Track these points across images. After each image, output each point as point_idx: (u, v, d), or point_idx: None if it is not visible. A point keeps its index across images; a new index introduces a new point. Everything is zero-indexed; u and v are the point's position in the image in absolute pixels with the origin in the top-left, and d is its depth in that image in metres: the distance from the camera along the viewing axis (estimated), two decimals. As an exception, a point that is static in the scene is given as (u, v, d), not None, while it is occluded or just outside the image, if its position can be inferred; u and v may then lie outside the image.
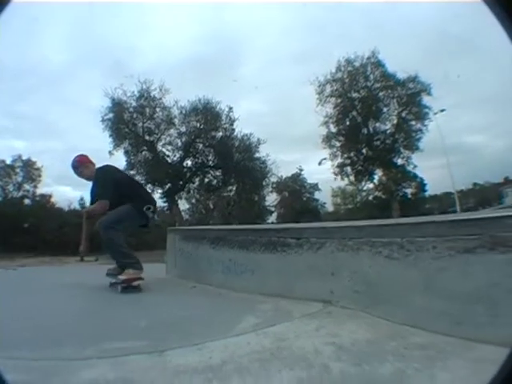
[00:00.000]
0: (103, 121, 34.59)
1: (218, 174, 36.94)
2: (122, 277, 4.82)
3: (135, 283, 4.83)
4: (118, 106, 34.70)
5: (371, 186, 40.10)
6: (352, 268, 3.00)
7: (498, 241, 2.14)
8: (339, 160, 37.98)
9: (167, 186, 34.63)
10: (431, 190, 49.02)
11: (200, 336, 2.47)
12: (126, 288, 4.71)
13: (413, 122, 37.08)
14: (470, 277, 2.25)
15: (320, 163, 38.31)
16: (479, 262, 2.23)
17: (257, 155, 36.96)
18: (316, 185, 46.55)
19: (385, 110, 37.97)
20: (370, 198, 42.83)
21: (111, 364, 1.99)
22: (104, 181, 5.26)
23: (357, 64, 36.92)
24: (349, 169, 37.91)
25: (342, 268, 3.10)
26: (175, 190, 35.03)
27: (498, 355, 1.71)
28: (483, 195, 57.56)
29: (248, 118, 57.16)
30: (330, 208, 50.97)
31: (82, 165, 5.42)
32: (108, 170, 5.56)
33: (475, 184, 62.02)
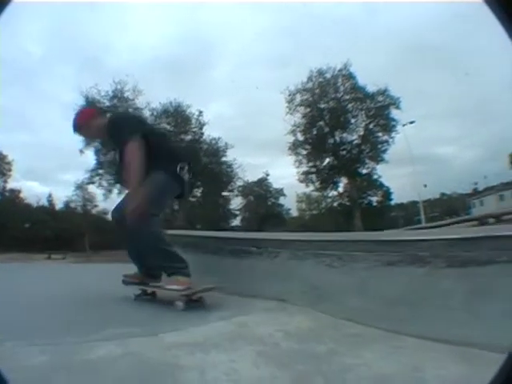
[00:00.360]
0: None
1: None
2: (176, 286, 3.70)
3: (196, 296, 3.77)
4: (91, 105, 34.84)
5: (336, 193, 40.96)
6: (301, 273, 3.59)
7: (417, 258, 2.72)
8: (304, 168, 38.83)
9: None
10: (399, 198, 50.25)
11: (182, 323, 3.03)
12: (188, 303, 3.62)
13: (379, 134, 38.05)
14: (394, 283, 2.82)
15: None
16: (401, 272, 2.78)
17: (224, 159, 37.51)
18: (281, 190, 46.80)
19: (352, 121, 38.84)
20: (335, 204, 43.64)
21: (117, 344, 2.49)
22: (122, 128, 3.96)
23: (328, 75, 37.71)
24: (313, 176, 38.70)
25: (293, 273, 3.69)
26: (142, 191, 34.84)
27: (414, 344, 2.43)
28: (450, 205, 58.98)
29: (217, 120, 57.30)
30: (294, 213, 51.25)
31: (84, 125, 4.29)
32: (125, 117, 4.53)
33: (443, 194, 63.57)
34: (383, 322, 2.77)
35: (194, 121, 37.70)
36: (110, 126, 4.10)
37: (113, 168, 35.03)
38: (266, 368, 2.11)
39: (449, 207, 59.31)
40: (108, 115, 4.44)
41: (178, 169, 4.02)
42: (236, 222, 44.91)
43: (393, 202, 49.66)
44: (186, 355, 2.31)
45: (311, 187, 40.70)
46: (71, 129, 4.34)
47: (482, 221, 29.93)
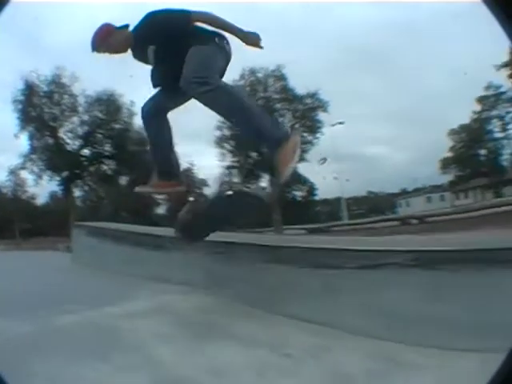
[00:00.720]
0: (14, 102, 34.00)
1: (112, 164, 37.45)
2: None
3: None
4: (29, 90, 34.36)
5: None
6: (204, 265, 4.40)
7: (282, 258, 3.72)
8: (228, 162, 39.57)
9: (64, 174, 34.51)
10: (325, 194, 50.95)
11: (122, 299, 3.94)
12: None
13: (305, 134, 39.01)
14: (265, 276, 3.80)
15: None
16: (270, 268, 3.75)
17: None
18: (205, 180, 46.37)
19: (279, 120, 39.76)
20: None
21: (76, 315, 3.41)
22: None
23: (260, 75, 38.42)
24: (236, 171, 39.36)
25: (193, 264, 4.49)
26: (71, 178, 34.83)
27: (281, 320, 3.36)
28: (376, 203, 60.38)
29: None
30: None
31: (104, 43, 3.98)
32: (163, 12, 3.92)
33: (370, 192, 64.28)
34: (261, 303, 3.67)
35: (125, 110, 37.61)
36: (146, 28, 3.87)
37: (45, 154, 35.31)
38: (175, 327, 3.25)
39: (375, 205, 60.70)
40: (127, 29, 4.05)
41: (217, 39, 3.81)
42: (161, 210, 44.66)
43: (319, 198, 50.69)
44: (125, 321, 3.33)
45: (236, 180, 41.31)
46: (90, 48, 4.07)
47: (404, 221, 31.17)
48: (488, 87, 44.35)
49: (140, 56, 4.09)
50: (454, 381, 2.44)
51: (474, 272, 2.85)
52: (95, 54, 4.05)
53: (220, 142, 39.44)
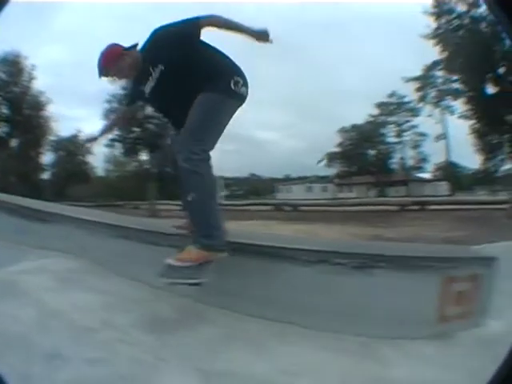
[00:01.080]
0: None
1: (6, 127, 35.59)
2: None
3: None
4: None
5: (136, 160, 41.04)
6: (71, 236, 5.02)
7: (129, 235, 4.45)
8: (111, 136, 37.76)
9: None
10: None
11: (15, 261, 4.50)
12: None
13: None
14: (117, 247, 4.58)
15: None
16: (120, 242, 4.52)
17: (43, 113, 36.96)
18: (90, 148, 43.58)
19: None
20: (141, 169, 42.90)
21: None
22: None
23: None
24: (118, 144, 38.66)
25: (67, 236, 5.04)
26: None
27: (126, 281, 4.25)
28: (257, 187, 60.42)
29: (49, 65, 52.87)
30: (100, 173, 48.45)
31: (115, 64, 3.59)
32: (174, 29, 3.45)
33: (253, 175, 64.16)
34: (113, 266, 4.47)
35: (26, 74, 36.33)
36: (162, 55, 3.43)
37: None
38: (53, 281, 4.06)
39: (255, 188, 60.57)
40: (135, 49, 3.67)
41: (233, 83, 3.38)
42: (46, 175, 43.76)
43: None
44: (19, 276, 4.07)
45: (116, 152, 41.14)
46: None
47: (278, 207, 32.08)
48: (392, 95, 46.95)
49: (141, 77, 3.65)
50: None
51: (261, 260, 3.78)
52: (102, 79, 3.64)
53: (106, 114, 37.11)
